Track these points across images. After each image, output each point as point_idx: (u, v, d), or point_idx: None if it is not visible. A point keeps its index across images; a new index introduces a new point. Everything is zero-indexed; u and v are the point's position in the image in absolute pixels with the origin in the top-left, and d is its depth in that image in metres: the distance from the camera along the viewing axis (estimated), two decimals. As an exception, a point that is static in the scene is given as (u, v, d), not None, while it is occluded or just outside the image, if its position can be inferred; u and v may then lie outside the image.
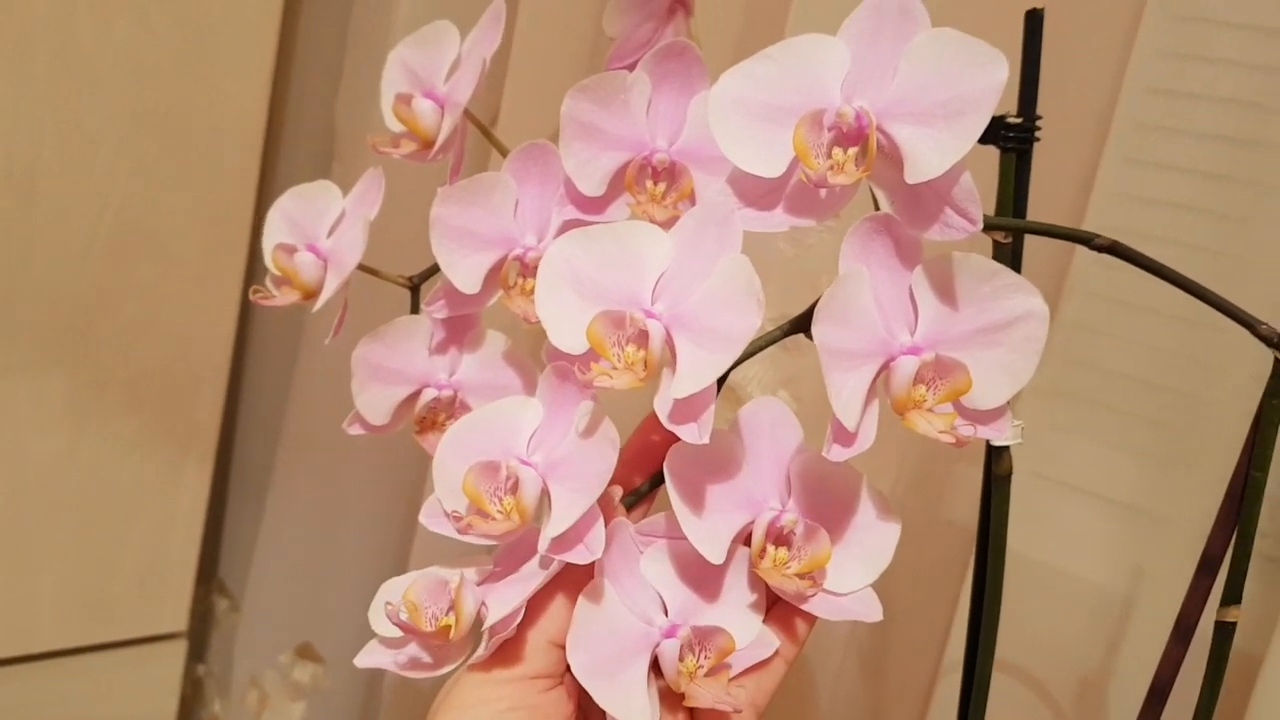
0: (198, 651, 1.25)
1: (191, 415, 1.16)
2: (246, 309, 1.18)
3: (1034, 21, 0.54)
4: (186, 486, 1.17)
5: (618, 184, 0.52)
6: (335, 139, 1.15)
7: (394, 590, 0.51)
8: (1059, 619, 0.81)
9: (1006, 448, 0.54)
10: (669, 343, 0.45)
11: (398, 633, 0.49)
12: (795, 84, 0.44)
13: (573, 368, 0.46)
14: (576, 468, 0.47)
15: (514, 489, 0.47)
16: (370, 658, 0.51)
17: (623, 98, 0.51)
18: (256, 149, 1.12)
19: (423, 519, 0.49)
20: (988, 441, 0.53)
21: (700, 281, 0.45)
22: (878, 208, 0.45)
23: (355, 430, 0.54)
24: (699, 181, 0.51)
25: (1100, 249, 0.47)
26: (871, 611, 0.48)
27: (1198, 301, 0.49)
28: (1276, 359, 0.46)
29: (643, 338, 0.45)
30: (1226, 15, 0.73)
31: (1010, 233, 0.49)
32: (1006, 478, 0.55)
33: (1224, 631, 0.50)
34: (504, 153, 0.54)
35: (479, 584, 0.49)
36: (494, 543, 0.48)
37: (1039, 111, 0.53)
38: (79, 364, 1.09)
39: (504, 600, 0.47)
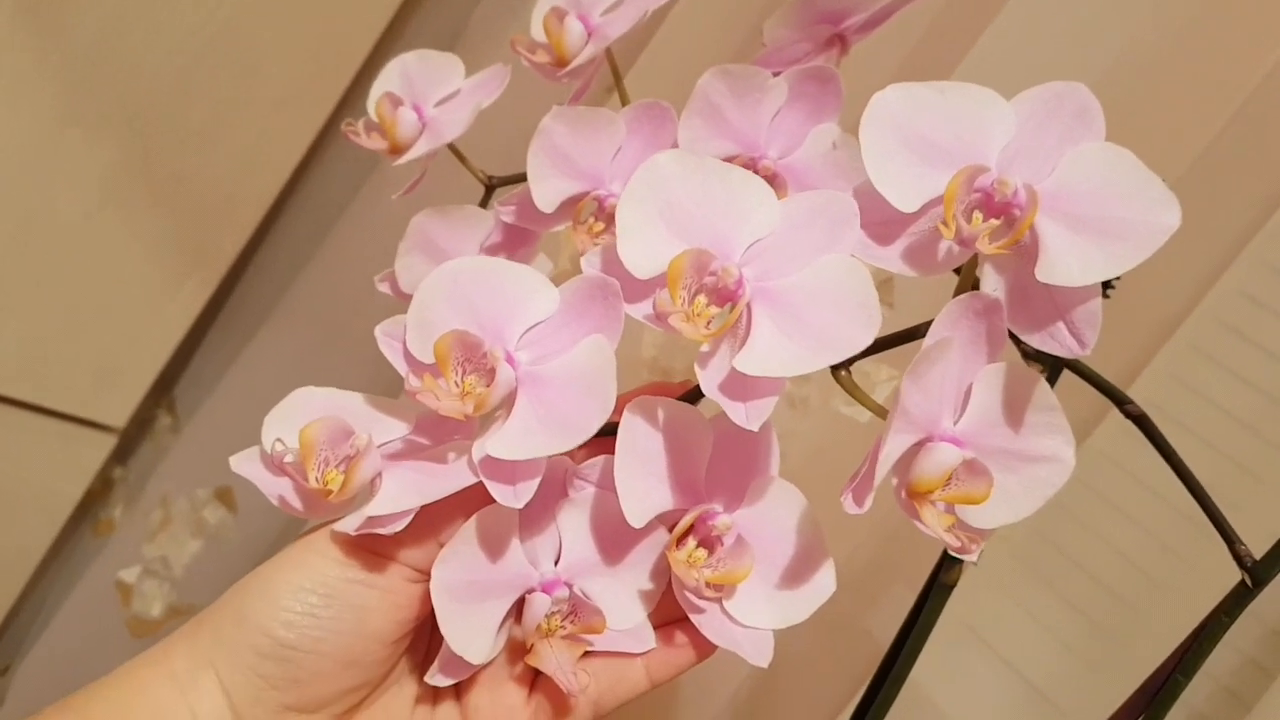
0: (122, 455, 1.23)
1: (216, 235, 1.15)
2: (308, 160, 1.17)
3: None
4: (181, 299, 1.16)
5: (717, 171, 0.51)
6: (461, 41, 1.15)
7: (304, 405, 0.46)
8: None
9: (960, 562, 0.53)
10: (746, 311, 0.41)
11: (285, 455, 0.44)
12: (958, 128, 0.41)
13: (608, 281, 0.42)
14: (557, 400, 0.42)
15: (484, 375, 0.42)
16: (245, 465, 0.46)
17: (757, 95, 0.50)
18: (386, 16, 1.11)
19: (377, 332, 0.45)
20: (944, 551, 0.52)
21: (798, 266, 0.42)
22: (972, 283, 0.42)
23: (383, 288, 0.54)
24: (792, 202, 0.51)
25: (1129, 415, 0.47)
26: (761, 656, 0.45)
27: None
28: (1243, 580, 0.46)
29: (722, 295, 0.41)
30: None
31: (1048, 366, 0.47)
32: (949, 589, 0.54)
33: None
34: (625, 101, 0.53)
35: (387, 453, 0.44)
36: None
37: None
38: (134, 143, 1.08)
39: (402, 489, 0.43)
